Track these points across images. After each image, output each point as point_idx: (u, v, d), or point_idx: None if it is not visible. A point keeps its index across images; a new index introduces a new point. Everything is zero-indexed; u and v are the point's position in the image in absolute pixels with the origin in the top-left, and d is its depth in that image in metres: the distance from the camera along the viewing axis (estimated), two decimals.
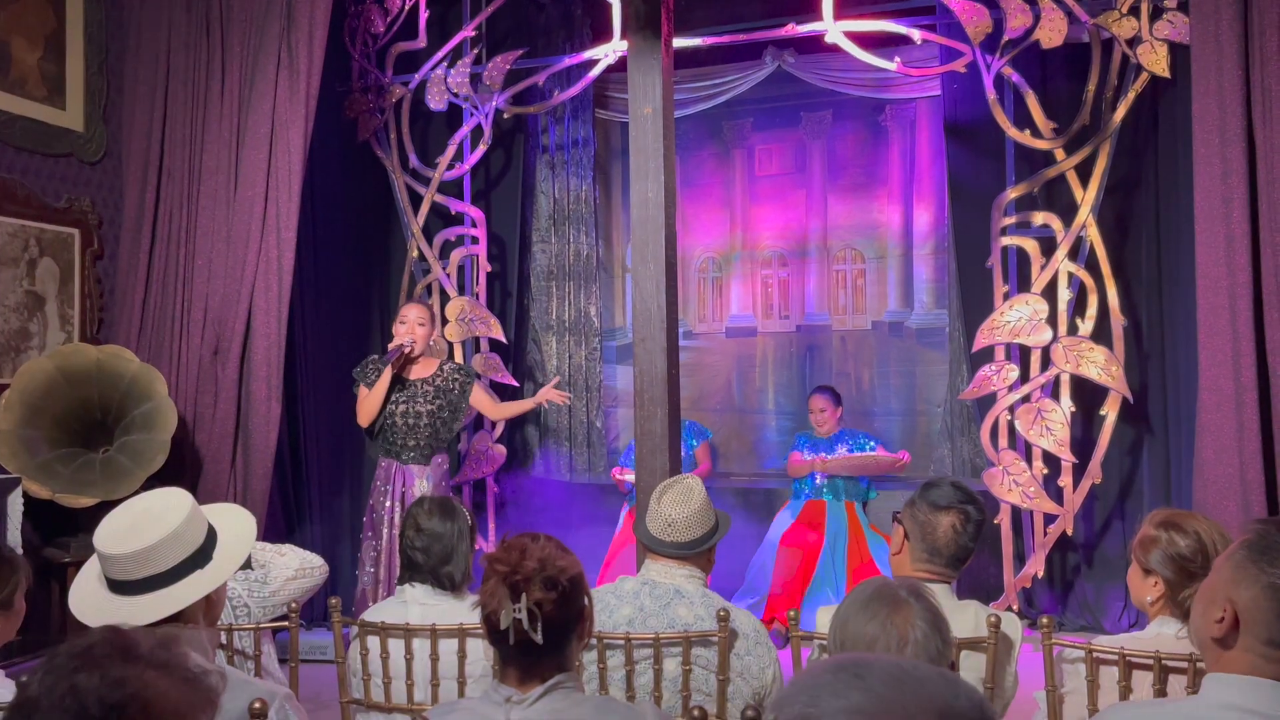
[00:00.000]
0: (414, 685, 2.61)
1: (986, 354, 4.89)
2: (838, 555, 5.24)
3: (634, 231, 4.02)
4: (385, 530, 4.53)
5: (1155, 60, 4.49)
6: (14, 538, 3.99)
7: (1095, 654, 2.23)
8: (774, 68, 6.01)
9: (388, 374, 4.51)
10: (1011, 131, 4.80)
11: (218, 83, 4.90)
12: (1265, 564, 1.51)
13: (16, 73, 4.64)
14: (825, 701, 0.90)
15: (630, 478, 5.46)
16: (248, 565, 2.72)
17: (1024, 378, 4.82)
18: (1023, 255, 4.90)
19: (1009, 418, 4.83)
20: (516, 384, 5.75)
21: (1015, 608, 4.83)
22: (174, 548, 1.93)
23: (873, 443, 5.56)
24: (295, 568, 2.79)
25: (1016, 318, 4.77)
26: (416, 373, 4.65)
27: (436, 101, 5.52)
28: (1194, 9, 4.14)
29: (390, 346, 4.55)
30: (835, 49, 4.99)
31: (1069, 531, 4.80)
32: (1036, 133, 4.76)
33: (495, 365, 5.59)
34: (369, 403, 4.55)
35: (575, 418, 6.49)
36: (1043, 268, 4.78)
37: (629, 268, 6.63)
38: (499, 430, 5.57)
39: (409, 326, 4.57)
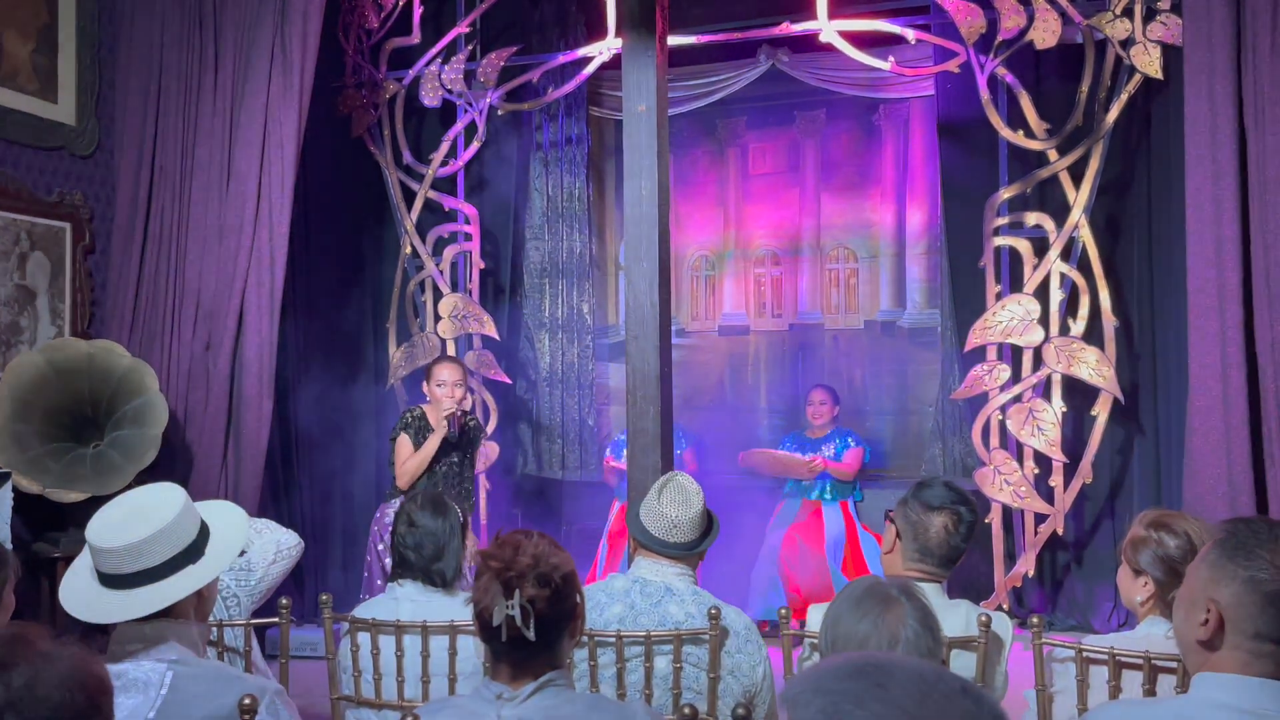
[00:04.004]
0: (404, 682, 2.60)
1: (978, 354, 4.90)
2: (839, 559, 5.24)
3: (627, 229, 4.01)
4: None
5: (1148, 62, 4.50)
6: (3, 533, 3.97)
7: (1085, 653, 2.24)
8: (768, 66, 6.01)
9: (436, 440, 4.37)
10: (1005, 132, 4.81)
11: (210, 77, 4.88)
12: (1241, 559, 1.53)
13: (8, 66, 4.62)
14: (846, 710, 0.88)
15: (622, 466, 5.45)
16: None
17: (1016, 378, 4.83)
18: (1015, 255, 4.91)
19: (1000, 417, 4.84)
20: (509, 381, 5.75)
21: (1005, 607, 4.84)
22: (166, 543, 1.93)
23: (854, 441, 5.56)
24: (273, 551, 2.79)
25: (1008, 318, 4.78)
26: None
27: (430, 98, 5.52)
28: (1187, 11, 4.16)
29: (446, 417, 4.36)
30: (829, 48, 4.99)
31: (1059, 531, 4.82)
32: (1030, 133, 4.77)
33: (488, 362, 5.59)
34: (414, 464, 4.38)
35: (568, 415, 6.48)
36: (1035, 268, 4.80)
37: (622, 265, 6.61)
38: (492, 426, 5.56)
39: (448, 389, 4.41)
